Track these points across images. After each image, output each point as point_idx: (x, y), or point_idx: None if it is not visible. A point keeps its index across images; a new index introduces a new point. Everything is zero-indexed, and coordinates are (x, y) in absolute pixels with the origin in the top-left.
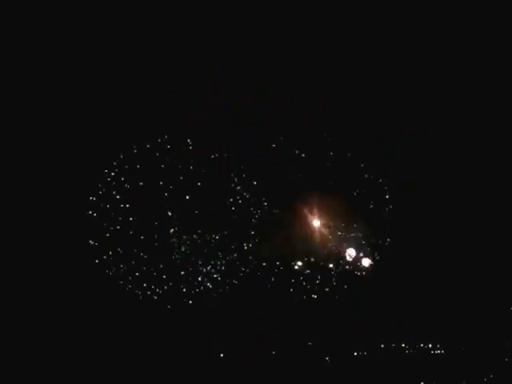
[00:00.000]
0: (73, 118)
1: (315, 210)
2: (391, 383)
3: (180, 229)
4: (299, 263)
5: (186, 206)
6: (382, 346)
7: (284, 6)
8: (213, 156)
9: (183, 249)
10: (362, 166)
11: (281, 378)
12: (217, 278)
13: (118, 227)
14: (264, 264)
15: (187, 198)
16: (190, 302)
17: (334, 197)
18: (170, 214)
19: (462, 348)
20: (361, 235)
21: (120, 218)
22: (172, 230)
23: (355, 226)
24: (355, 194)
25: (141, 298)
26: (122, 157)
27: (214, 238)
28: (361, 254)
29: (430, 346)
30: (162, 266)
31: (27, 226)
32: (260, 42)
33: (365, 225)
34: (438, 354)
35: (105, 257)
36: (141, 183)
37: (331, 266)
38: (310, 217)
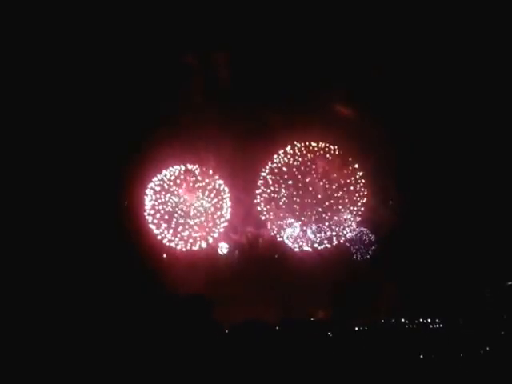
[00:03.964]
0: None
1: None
2: (391, 356)
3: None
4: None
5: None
6: (382, 321)
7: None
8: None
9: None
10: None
11: (284, 351)
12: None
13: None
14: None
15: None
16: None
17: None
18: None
19: (460, 322)
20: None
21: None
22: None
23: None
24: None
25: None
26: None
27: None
28: (366, 238)
29: (429, 320)
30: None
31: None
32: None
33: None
34: (436, 328)
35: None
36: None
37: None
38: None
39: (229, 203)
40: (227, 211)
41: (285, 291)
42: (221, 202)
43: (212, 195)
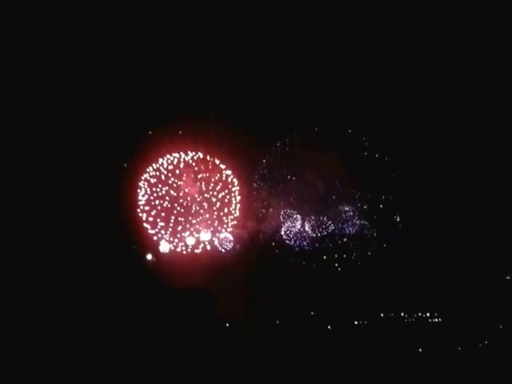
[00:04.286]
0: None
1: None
2: (390, 350)
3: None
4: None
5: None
6: (382, 315)
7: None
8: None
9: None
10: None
11: (285, 344)
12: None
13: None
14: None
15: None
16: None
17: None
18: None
19: (459, 316)
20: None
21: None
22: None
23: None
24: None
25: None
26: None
27: None
28: (364, 231)
29: (428, 314)
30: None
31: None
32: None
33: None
34: (435, 322)
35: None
36: None
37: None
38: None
39: (238, 198)
40: (236, 207)
41: (285, 285)
42: (228, 197)
43: (218, 188)
